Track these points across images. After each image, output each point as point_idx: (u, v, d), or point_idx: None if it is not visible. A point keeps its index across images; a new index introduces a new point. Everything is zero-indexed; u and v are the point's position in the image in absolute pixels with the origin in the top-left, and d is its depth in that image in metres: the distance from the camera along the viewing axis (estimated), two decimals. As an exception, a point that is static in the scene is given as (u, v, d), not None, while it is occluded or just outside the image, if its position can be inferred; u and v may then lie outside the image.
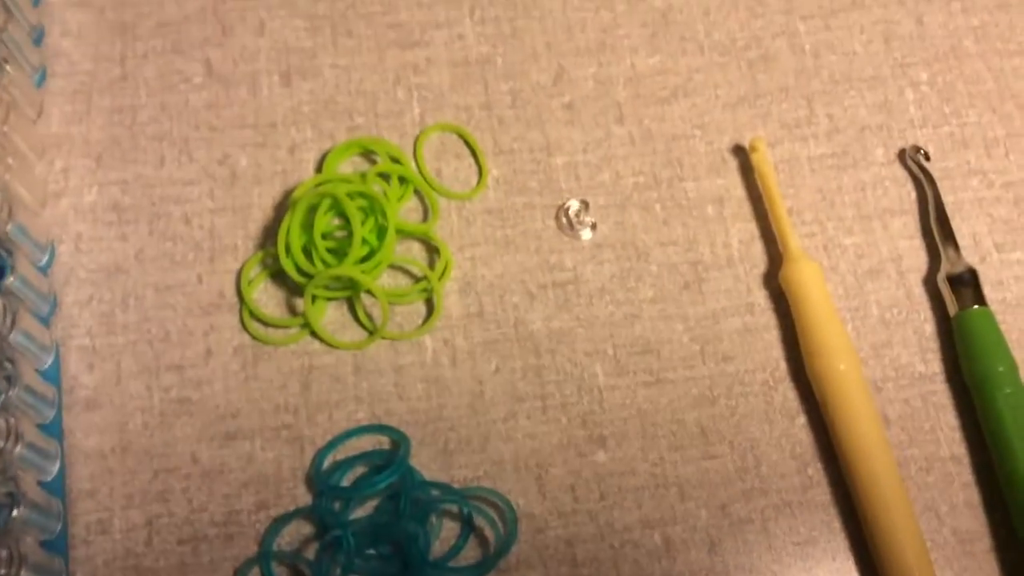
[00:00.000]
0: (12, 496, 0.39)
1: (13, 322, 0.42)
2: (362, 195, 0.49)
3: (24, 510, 0.40)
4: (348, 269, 0.47)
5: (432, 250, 0.51)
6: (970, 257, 0.52)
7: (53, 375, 0.46)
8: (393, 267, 0.50)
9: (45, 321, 0.47)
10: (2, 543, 0.38)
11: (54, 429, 0.45)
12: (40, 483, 0.43)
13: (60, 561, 0.42)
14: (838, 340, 0.48)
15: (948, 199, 0.53)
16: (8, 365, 0.42)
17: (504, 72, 0.55)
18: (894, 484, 0.45)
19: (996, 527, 0.47)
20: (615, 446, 0.48)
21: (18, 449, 0.40)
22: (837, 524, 0.47)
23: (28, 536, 0.40)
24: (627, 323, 0.50)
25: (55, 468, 0.44)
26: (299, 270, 0.48)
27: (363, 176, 0.50)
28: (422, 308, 0.50)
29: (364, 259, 0.48)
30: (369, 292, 0.48)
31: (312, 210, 0.48)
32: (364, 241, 0.48)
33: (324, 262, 0.48)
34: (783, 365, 0.50)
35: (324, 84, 0.54)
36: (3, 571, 0.38)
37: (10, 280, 0.43)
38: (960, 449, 0.48)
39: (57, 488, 0.44)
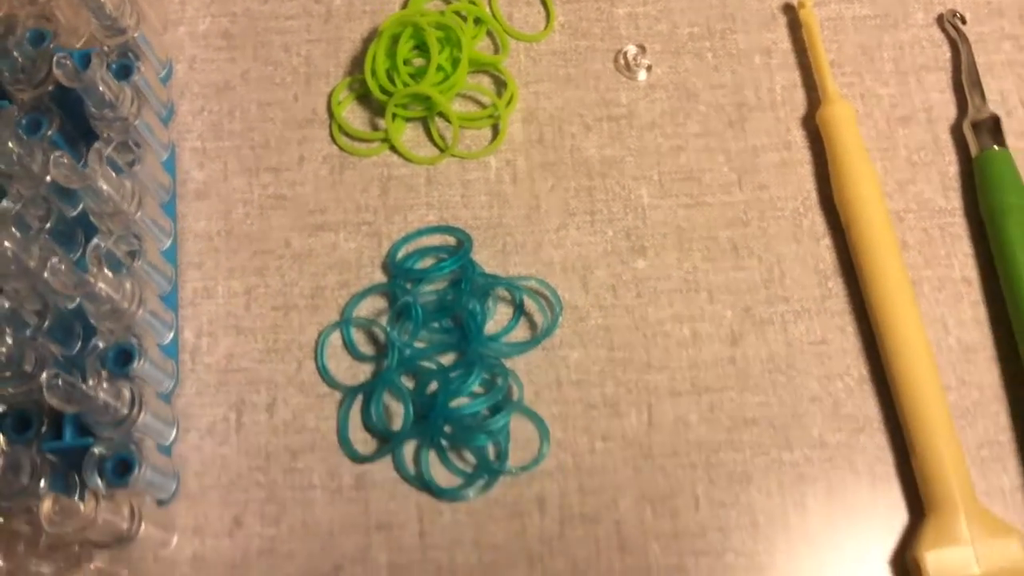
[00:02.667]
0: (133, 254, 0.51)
1: (138, 111, 0.54)
2: (440, 27, 0.60)
3: (143, 265, 0.51)
4: (425, 87, 0.58)
5: (500, 83, 0.61)
6: (996, 111, 0.61)
7: (170, 167, 0.58)
8: (464, 95, 0.61)
9: (164, 122, 0.59)
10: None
11: (170, 211, 0.57)
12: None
13: (171, 314, 0.54)
14: (865, 169, 0.57)
15: (980, 60, 0.62)
16: (134, 147, 0.54)
17: (575, -67, 0.65)
18: (905, 294, 0.54)
19: (999, 341, 0.56)
20: (654, 256, 0.58)
21: (138, 215, 0.52)
22: (851, 328, 0.56)
23: (147, 290, 0.51)
24: (673, 154, 0.60)
25: (168, 242, 0.56)
26: (382, 90, 0.59)
27: (444, 12, 0.61)
28: (488, 133, 0.61)
29: (439, 84, 0.59)
30: (442, 114, 0.59)
31: (396, 39, 0.60)
32: (440, 68, 0.59)
33: (404, 84, 0.59)
34: (814, 195, 0.59)
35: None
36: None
37: (136, 78, 0.55)
38: (972, 273, 0.57)
39: (171, 258, 0.56)
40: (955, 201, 0.59)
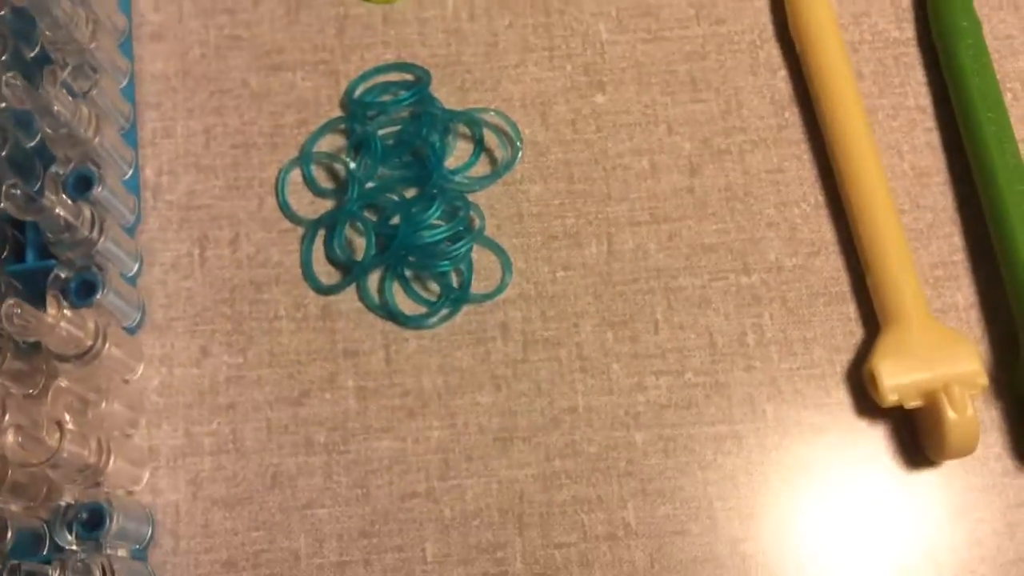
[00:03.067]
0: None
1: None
2: None
3: (99, 98, 0.51)
4: (379, -78, 0.57)
5: (456, -79, 0.61)
6: (953, -57, 0.61)
7: (125, 7, 0.57)
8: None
9: (118, -35, 0.58)
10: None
11: (126, 51, 0.57)
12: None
13: (131, 151, 0.54)
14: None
15: None
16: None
17: None
18: (860, 121, 0.55)
19: (952, 166, 0.56)
20: (613, 91, 0.58)
21: (92, 45, 0.52)
22: (807, 157, 0.56)
23: (104, 124, 0.51)
24: (630, -10, 0.60)
25: (125, 81, 0.56)
26: (337, -73, 0.59)
27: None
28: (446, -29, 0.60)
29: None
30: (399, -49, 0.59)
31: None
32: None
33: (359, -80, 0.58)
34: (770, 28, 0.59)
35: None
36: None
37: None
38: (925, 101, 0.58)
39: (129, 97, 0.56)
40: (908, 31, 0.59)
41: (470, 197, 0.55)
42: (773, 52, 0.59)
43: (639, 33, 0.59)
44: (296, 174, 0.55)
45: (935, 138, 0.57)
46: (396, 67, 0.58)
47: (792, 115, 0.57)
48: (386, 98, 0.57)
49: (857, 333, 0.53)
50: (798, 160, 0.56)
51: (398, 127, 0.56)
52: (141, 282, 0.53)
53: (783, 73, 0.58)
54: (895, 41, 0.59)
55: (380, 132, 0.55)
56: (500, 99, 0.57)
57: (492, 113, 0.56)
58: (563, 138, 0.57)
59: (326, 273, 0.53)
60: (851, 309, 0.53)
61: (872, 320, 0.53)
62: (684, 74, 0.58)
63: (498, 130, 0.56)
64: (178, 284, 0.53)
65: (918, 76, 0.58)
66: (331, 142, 0.56)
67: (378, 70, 0.57)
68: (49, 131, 0.47)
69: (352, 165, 0.54)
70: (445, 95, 0.57)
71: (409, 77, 0.57)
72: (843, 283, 0.54)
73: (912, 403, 0.49)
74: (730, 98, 0.58)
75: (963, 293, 0.54)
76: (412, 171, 0.55)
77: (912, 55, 0.59)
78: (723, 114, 0.57)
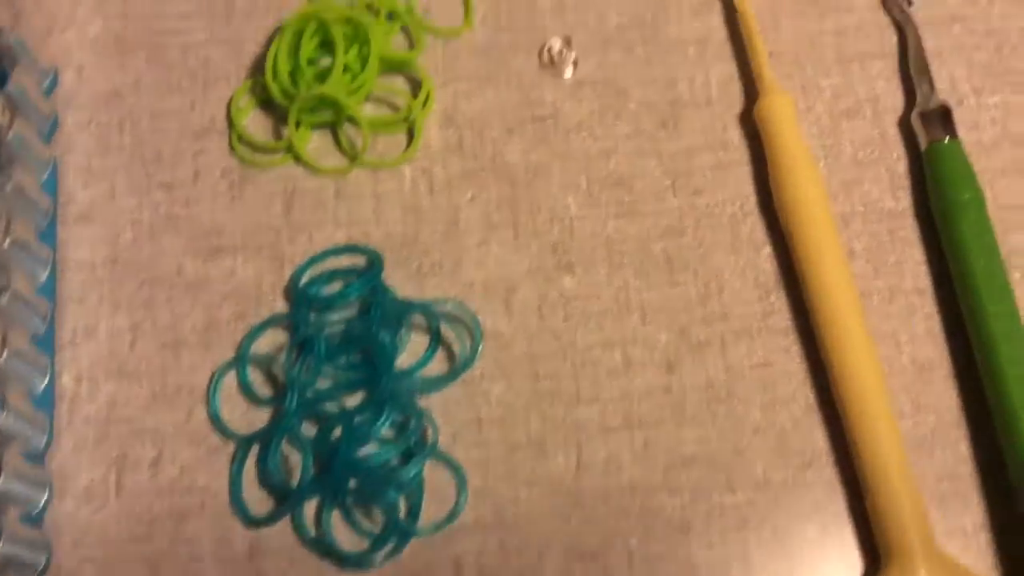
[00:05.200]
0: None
1: (11, 123, 0.42)
2: (348, 22, 0.47)
3: (10, 302, 0.39)
4: (330, 90, 0.46)
5: (415, 84, 0.49)
6: (947, 99, 0.49)
7: (51, 188, 0.46)
8: (376, 98, 0.49)
9: (46, 137, 0.46)
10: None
11: (48, 238, 0.45)
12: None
13: (46, 358, 0.42)
14: (806, 169, 0.46)
15: (928, 45, 0.50)
16: (5, 165, 0.41)
17: (494, -84, 0.52)
18: (852, 310, 0.43)
19: (955, 357, 0.44)
20: (582, 272, 0.46)
21: (6, 243, 0.40)
22: (796, 348, 0.45)
23: (14, 331, 0.40)
24: (602, 158, 0.48)
25: (45, 274, 0.44)
26: (284, 93, 0.47)
27: (351, 7, 0.48)
28: (403, 139, 0.48)
29: (347, 85, 0.47)
30: (351, 120, 0.47)
31: (300, 36, 0.47)
32: (347, 68, 0.47)
33: (309, 87, 0.46)
34: (752, 198, 0.47)
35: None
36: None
37: (10, 87, 0.42)
38: (924, 282, 0.46)
39: (48, 293, 0.44)
40: (905, 201, 0.47)
41: (424, 400, 0.43)
42: (756, 226, 0.47)
43: (611, 207, 0.47)
44: (231, 377, 0.43)
45: (936, 325, 0.45)
46: (347, 249, 0.46)
47: (778, 299, 0.45)
48: (335, 286, 0.45)
49: (856, 563, 0.41)
50: (786, 353, 0.44)
51: (347, 320, 0.44)
52: (49, 516, 0.41)
53: (768, 250, 0.46)
54: (890, 213, 0.47)
55: (328, 326, 0.43)
56: (460, 284, 0.45)
57: (449, 305, 0.44)
58: (528, 328, 0.45)
59: (258, 500, 0.41)
60: (849, 533, 0.42)
61: (873, 545, 0.41)
62: (659, 253, 0.46)
63: (458, 320, 0.44)
64: (90, 519, 0.41)
65: (916, 254, 0.46)
66: (272, 339, 0.44)
67: (326, 254, 0.46)
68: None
69: (293, 371, 0.42)
70: (400, 280, 0.45)
71: (361, 260, 0.45)
72: (839, 501, 0.42)
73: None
74: (709, 280, 0.46)
75: (971, 512, 0.42)
76: (360, 372, 0.43)
77: (909, 228, 0.47)
78: (702, 299, 0.45)
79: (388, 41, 0.48)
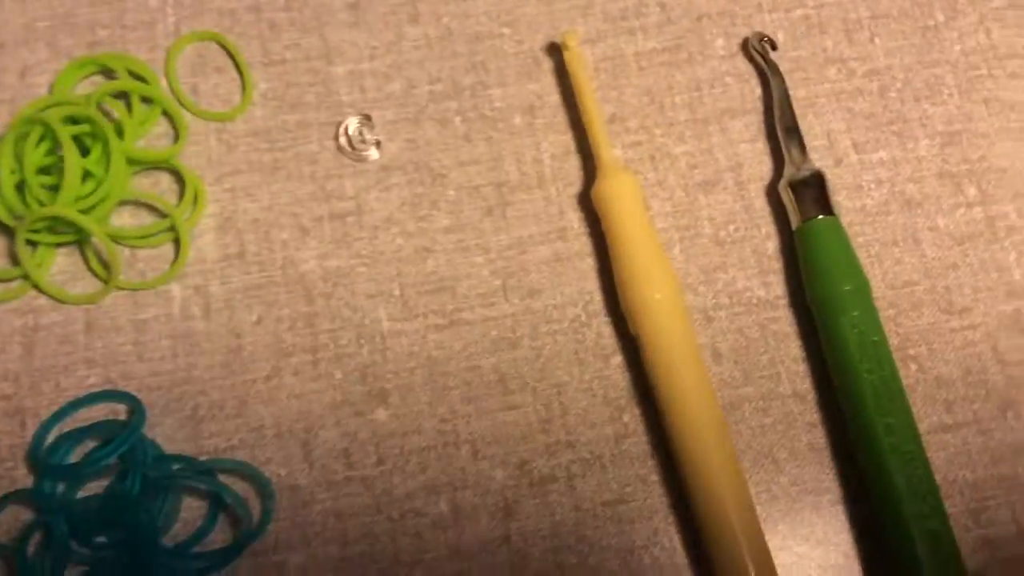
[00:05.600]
0: None
1: None
2: (83, 120, 0.38)
3: None
4: (61, 207, 0.37)
5: (182, 182, 0.41)
6: (824, 160, 0.42)
7: None
8: (134, 204, 0.40)
9: None
10: None
11: None
12: None
13: None
14: (654, 265, 0.38)
15: (798, 94, 0.43)
16: None
17: (279, -30, 0.44)
18: (717, 431, 0.36)
19: (845, 478, 0.37)
20: (398, 402, 0.38)
21: None
22: (655, 477, 0.37)
23: None
24: (418, 258, 0.40)
25: None
26: (12, 213, 0.38)
27: (88, 98, 0.39)
28: (171, 251, 0.40)
29: (87, 196, 0.38)
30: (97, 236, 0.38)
31: (24, 142, 0.38)
32: (89, 174, 0.38)
33: (40, 202, 0.38)
34: (598, 297, 0.40)
35: (67, -6, 0.43)
36: None
37: None
38: (804, 384, 0.39)
39: None
40: (777, 288, 0.40)
41: (204, 586, 0.34)
42: (604, 330, 0.39)
43: (431, 318, 0.39)
44: (-46, 578, 0.35)
45: (819, 437, 0.38)
46: (101, 397, 0.37)
47: (632, 418, 0.38)
48: (90, 446, 0.36)
49: None
50: (644, 484, 0.37)
51: (106, 489, 0.35)
52: None
53: (618, 359, 0.39)
54: (760, 302, 0.40)
55: (76, 503, 0.35)
56: (246, 428, 0.37)
57: (230, 464, 0.36)
58: (333, 478, 0.37)
59: None
60: None
61: None
62: (490, 371, 0.38)
63: (244, 477, 0.36)
64: None
65: (792, 350, 0.39)
66: (13, 518, 0.36)
67: (73, 405, 0.37)
68: None
69: (36, 560, 0.34)
70: (170, 429, 0.37)
71: (119, 409, 0.37)
72: (715, 675, 0.34)
73: None
74: (551, 400, 0.38)
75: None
76: (122, 553, 0.34)
77: (783, 320, 0.40)
78: (543, 424, 0.38)
79: (140, 133, 0.40)
